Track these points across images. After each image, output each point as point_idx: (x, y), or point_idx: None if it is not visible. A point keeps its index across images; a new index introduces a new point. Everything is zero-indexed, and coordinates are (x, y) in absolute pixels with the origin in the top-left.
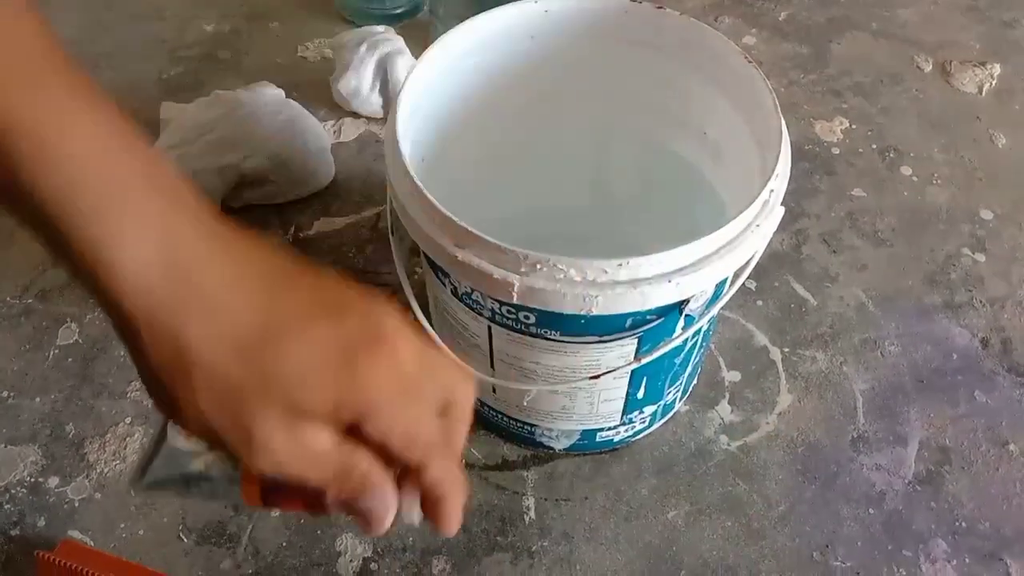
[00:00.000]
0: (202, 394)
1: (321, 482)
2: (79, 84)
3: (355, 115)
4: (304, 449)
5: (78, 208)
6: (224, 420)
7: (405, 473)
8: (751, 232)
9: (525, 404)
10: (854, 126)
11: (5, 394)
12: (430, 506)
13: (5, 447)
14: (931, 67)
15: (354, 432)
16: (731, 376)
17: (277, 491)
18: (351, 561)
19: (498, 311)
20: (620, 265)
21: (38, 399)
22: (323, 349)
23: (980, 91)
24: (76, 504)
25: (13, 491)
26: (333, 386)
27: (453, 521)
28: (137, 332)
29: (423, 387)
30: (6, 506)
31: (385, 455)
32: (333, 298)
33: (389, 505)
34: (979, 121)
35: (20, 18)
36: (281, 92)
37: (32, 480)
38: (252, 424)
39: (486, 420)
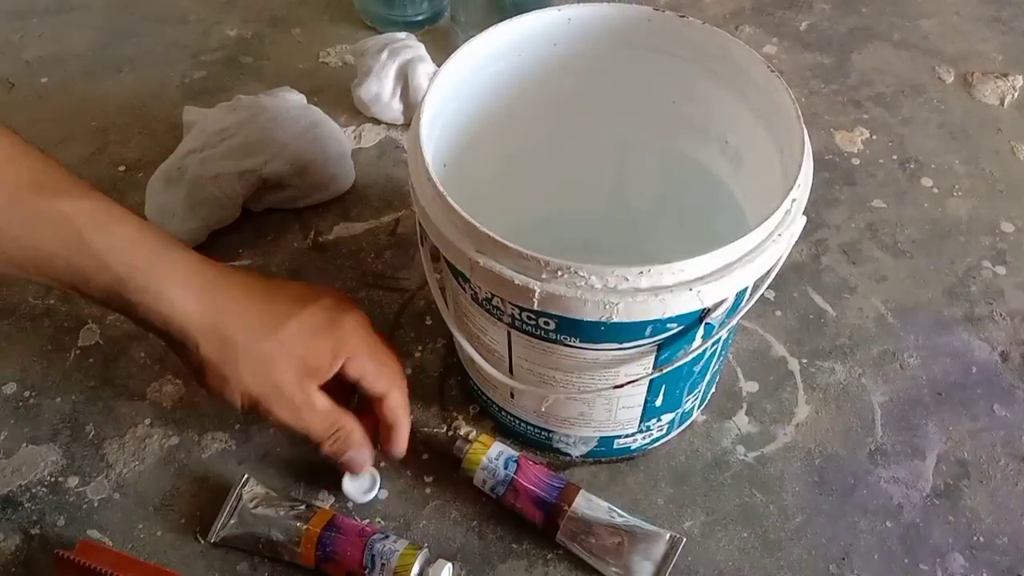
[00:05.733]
0: (245, 368)
1: (320, 435)
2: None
3: (375, 121)
4: (312, 405)
5: (137, 277)
6: (261, 386)
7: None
8: (772, 241)
9: (543, 410)
10: (875, 137)
11: (27, 394)
12: (386, 431)
13: (26, 446)
14: (952, 78)
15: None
16: (749, 387)
17: (327, 560)
18: None
19: (518, 317)
20: (641, 273)
21: (59, 399)
22: (315, 321)
23: (1002, 103)
24: (95, 504)
25: (33, 490)
26: (329, 342)
27: (403, 443)
28: (194, 341)
29: (378, 337)
30: (26, 505)
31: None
32: (309, 292)
33: (366, 457)
34: (1000, 133)
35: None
36: (303, 97)
37: (52, 479)
38: (281, 383)
39: (503, 425)
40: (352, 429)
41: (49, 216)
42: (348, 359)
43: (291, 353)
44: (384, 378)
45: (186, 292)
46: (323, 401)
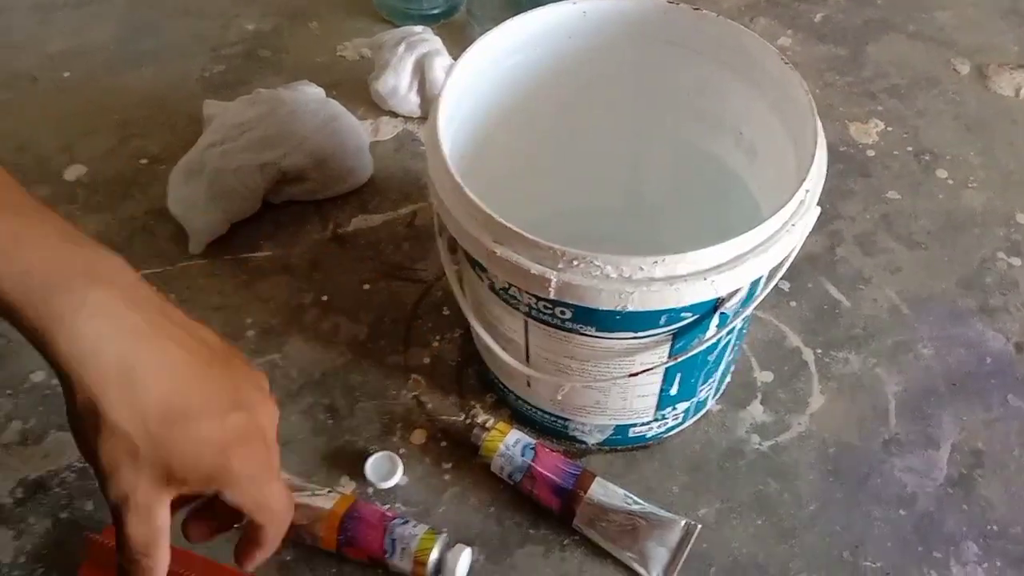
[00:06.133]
0: (106, 446)
1: (129, 543)
2: (24, 203)
3: (392, 114)
4: (150, 519)
5: (31, 299)
6: (114, 470)
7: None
8: (786, 231)
9: (559, 398)
10: (889, 128)
11: (55, 382)
12: (248, 548)
13: (55, 433)
14: (968, 70)
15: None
16: (763, 376)
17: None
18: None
19: (535, 306)
20: (656, 262)
21: None
22: (208, 441)
23: (1017, 94)
24: None
25: (63, 476)
26: (209, 470)
27: (254, 564)
28: (71, 388)
29: (277, 465)
30: (56, 490)
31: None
32: (227, 393)
33: None
34: (1016, 124)
35: None
36: (321, 91)
37: (80, 465)
38: (136, 482)
39: (520, 414)
40: (155, 569)
41: None
42: (227, 491)
43: (159, 457)
44: (264, 513)
45: (77, 341)
46: (158, 517)
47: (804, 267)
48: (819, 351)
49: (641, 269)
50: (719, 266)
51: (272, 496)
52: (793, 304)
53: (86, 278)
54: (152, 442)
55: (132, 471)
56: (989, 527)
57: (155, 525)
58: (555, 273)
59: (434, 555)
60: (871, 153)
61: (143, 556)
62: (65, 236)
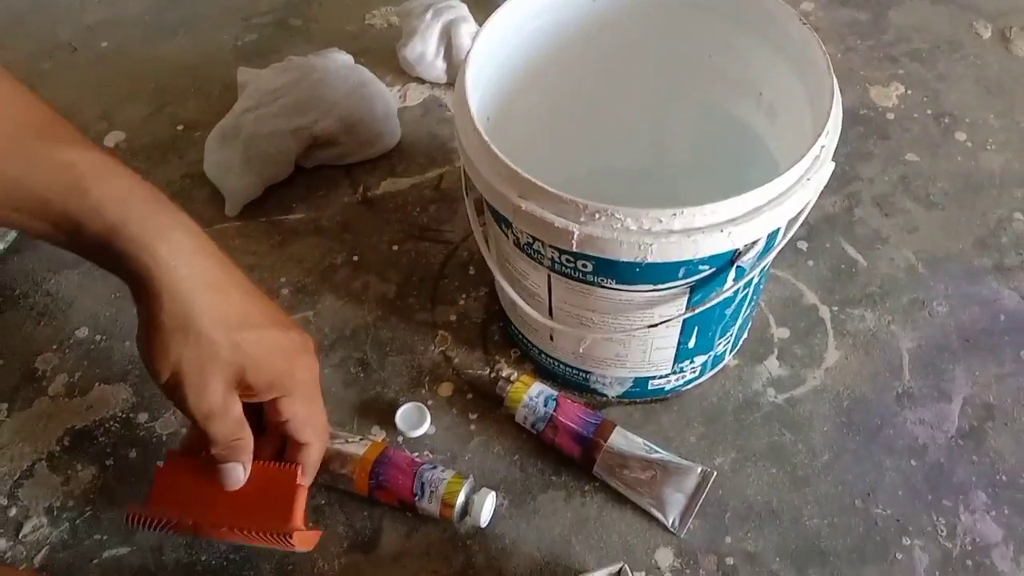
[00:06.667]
0: (190, 350)
1: (219, 438)
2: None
3: (420, 80)
4: (226, 411)
5: (133, 215)
6: (192, 374)
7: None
8: (801, 185)
9: (581, 351)
10: (910, 92)
11: (99, 337)
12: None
13: (99, 386)
14: (990, 34)
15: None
16: (780, 333)
17: (380, 488)
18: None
19: (558, 260)
20: (675, 215)
21: (127, 343)
22: (277, 348)
23: None
24: (164, 438)
25: (107, 425)
26: (274, 372)
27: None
28: (160, 302)
29: (320, 394)
30: (101, 439)
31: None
32: (283, 318)
33: (242, 477)
34: None
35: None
36: (350, 58)
37: (124, 416)
38: (210, 380)
39: (543, 368)
40: (248, 447)
41: (50, 161)
42: (282, 397)
43: (237, 359)
44: (311, 429)
45: (173, 252)
46: (237, 410)
47: (822, 227)
48: (835, 308)
49: (660, 221)
50: (735, 218)
51: (320, 415)
52: (811, 263)
53: (167, 206)
54: (231, 347)
55: (215, 377)
56: (998, 477)
57: (235, 416)
58: (577, 226)
59: (461, 498)
60: (891, 116)
61: (234, 441)
62: (127, 168)
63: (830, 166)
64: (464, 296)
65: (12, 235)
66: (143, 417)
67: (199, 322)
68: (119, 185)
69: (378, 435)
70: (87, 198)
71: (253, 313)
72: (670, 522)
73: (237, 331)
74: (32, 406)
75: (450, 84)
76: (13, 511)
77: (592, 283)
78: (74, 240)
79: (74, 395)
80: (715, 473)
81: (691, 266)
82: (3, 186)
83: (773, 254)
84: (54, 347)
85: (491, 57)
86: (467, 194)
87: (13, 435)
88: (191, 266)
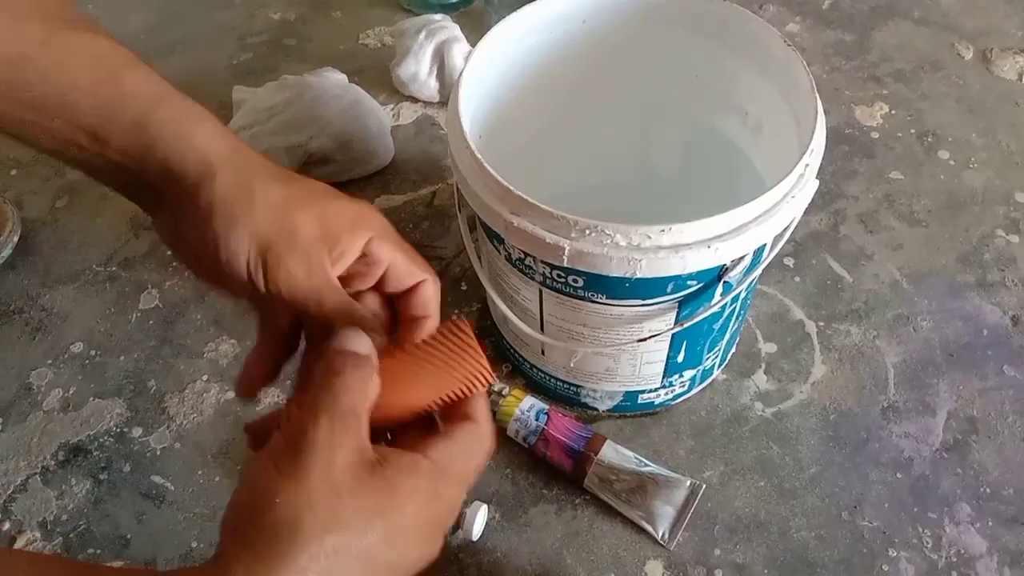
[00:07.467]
0: (260, 208)
1: (333, 309)
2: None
3: (413, 99)
4: (327, 272)
5: (164, 108)
6: (275, 228)
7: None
8: (787, 202)
9: (572, 365)
10: (894, 111)
11: (93, 352)
12: (413, 324)
13: (93, 400)
14: (971, 54)
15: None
16: (767, 348)
17: None
18: None
19: (549, 275)
20: (663, 231)
21: (122, 358)
22: (338, 193)
23: (1020, 78)
24: (158, 452)
25: (101, 440)
26: (351, 212)
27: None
28: (212, 172)
29: None
30: (95, 453)
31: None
32: (331, 188)
33: (370, 348)
34: (1018, 107)
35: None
36: (344, 77)
37: (118, 430)
38: (299, 228)
39: (534, 382)
40: (367, 313)
41: (83, 51)
42: (373, 239)
43: (311, 204)
44: (419, 264)
45: (212, 130)
46: (330, 273)
47: (808, 244)
48: (821, 324)
49: (649, 237)
50: (723, 235)
51: (414, 249)
52: (797, 279)
53: (193, 102)
54: (300, 195)
55: (316, 246)
56: (982, 489)
57: (337, 282)
58: (568, 242)
59: None
60: (875, 135)
61: (351, 315)
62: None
63: (815, 184)
64: (456, 311)
65: (7, 250)
66: (137, 432)
67: (257, 185)
68: (152, 74)
69: None
70: (119, 85)
71: (314, 186)
72: (660, 535)
73: (296, 183)
74: (26, 420)
75: (443, 103)
76: (7, 525)
77: (583, 298)
78: (98, 138)
79: (68, 409)
80: (704, 486)
81: (679, 281)
82: (31, 79)
83: (759, 269)
84: (49, 362)
85: (483, 76)
86: (460, 211)
87: (7, 449)
88: (230, 141)
